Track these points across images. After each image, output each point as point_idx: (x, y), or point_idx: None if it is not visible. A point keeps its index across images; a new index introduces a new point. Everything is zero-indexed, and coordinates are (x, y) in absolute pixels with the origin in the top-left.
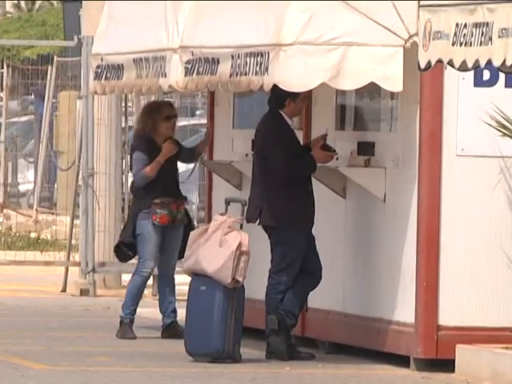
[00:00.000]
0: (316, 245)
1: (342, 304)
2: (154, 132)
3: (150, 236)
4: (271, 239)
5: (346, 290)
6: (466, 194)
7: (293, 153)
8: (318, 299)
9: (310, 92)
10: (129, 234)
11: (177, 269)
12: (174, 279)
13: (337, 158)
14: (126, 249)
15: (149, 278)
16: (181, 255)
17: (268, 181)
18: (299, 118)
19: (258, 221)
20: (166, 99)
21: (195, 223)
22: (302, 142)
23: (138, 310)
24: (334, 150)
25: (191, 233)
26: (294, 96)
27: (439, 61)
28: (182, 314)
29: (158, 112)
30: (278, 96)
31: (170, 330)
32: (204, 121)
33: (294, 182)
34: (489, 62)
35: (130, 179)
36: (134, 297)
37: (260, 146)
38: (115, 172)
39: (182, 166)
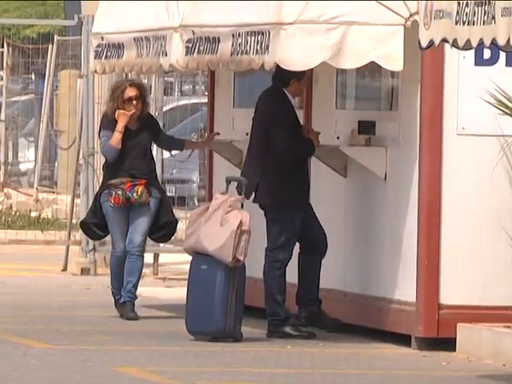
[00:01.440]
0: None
1: (343, 283)
2: (116, 112)
3: (111, 217)
4: (267, 218)
5: (347, 269)
6: (467, 172)
7: (294, 134)
8: (321, 278)
9: (310, 72)
10: (90, 214)
11: (178, 248)
12: (138, 259)
13: (337, 137)
14: (95, 228)
15: (122, 255)
16: (157, 234)
17: (266, 159)
18: (300, 98)
19: (253, 197)
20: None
21: (196, 202)
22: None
23: (140, 289)
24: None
25: (192, 212)
26: (298, 76)
27: (444, 40)
28: (183, 292)
29: (121, 94)
30: (284, 74)
31: (122, 309)
32: (204, 99)
33: (293, 162)
34: (493, 42)
35: None
36: (115, 276)
37: (261, 122)
38: None
39: None
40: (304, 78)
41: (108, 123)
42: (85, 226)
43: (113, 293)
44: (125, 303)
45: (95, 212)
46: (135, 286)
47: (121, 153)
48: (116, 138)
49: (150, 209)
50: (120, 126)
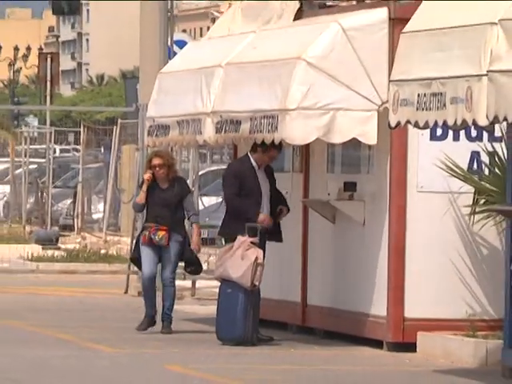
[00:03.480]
0: None
1: (333, 302)
2: (153, 178)
3: (142, 251)
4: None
5: (336, 291)
6: (424, 219)
7: (247, 193)
8: (315, 298)
9: (278, 153)
10: (134, 251)
11: (210, 276)
12: (170, 287)
13: (328, 194)
14: (139, 261)
15: (146, 281)
16: (187, 269)
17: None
18: (300, 163)
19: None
20: (200, 150)
21: (223, 242)
22: (302, 185)
23: (180, 306)
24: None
25: (220, 249)
26: (266, 149)
27: (408, 121)
28: (214, 309)
29: (149, 162)
30: (255, 143)
31: (162, 325)
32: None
33: (234, 210)
34: (444, 123)
35: None
36: (145, 297)
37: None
38: None
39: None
40: (269, 152)
41: (141, 184)
42: (132, 259)
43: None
44: (163, 321)
45: (137, 248)
46: (169, 309)
47: (152, 204)
48: (140, 196)
49: (173, 249)
50: (144, 187)
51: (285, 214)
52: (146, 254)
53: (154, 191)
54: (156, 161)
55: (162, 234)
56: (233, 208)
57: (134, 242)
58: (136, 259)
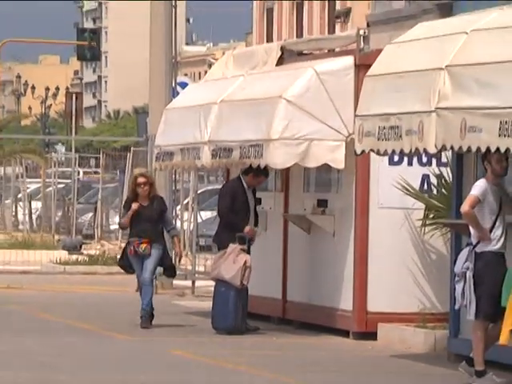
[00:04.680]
0: None
1: (308, 298)
2: (133, 194)
3: (131, 261)
4: None
5: (311, 289)
6: (383, 231)
7: (238, 207)
8: (293, 295)
9: (266, 179)
10: (123, 259)
11: (207, 276)
12: (148, 287)
13: (304, 209)
14: (127, 267)
15: (139, 284)
16: (165, 273)
17: None
18: (281, 184)
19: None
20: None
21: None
22: (283, 201)
23: (182, 302)
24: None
25: (215, 255)
26: (257, 173)
27: (371, 150)
28: (209, 304)
29: (134, 181)
30: (249, 167)
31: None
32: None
33: (227, 221)
34: (400, 151)
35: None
36: (141, 294)
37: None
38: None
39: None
40: (259, 178)
41: (126, 203)
42: (121, 266)
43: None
44: (141, 317)
45: (124, 257)
46: (148, 305)
47: (135, 220)
48: (125, 219)
49: (153, 256)
50: (130, 213)
51: (253, 233)
52: (136, 263)
53: (137, 208)
54: (141, 179)
55: (144, 246)
56: (226, 221)
57: (121, 252)
58: (123, 266)
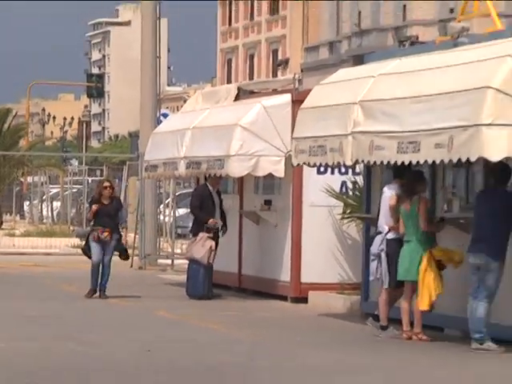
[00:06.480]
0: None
1: (258, 272)
2: (100, 195)
3: (92, 246)
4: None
5: (260, 265)
6: (313, 223)
7: (205, 205)
8: (247, 269)
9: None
10: (86, 245)
11: (183, 256)
12: (107, 268)
13: (254, 206)
14: (88, 252)
15: (95, 265)
16: (122, 256)
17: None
18: (238, 188)
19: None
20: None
21: (190, 236)
22: (239, 201)
23: (163, 276)
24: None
25: (189, 241)
26: (212, 178)
27: (304, 163)
28: (185, 277)
29: (101, 184)
30: (213, 176)
31: (100, 293)
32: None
33: (196, 217)
34: (326, 164)
35: (160, 215)
36: (92, 275)
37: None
38: (151, 210)
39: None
40: (216, 182)
41: (91, 202)
42: (83, 250)
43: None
44: (100, 291)
45: (87, 244)
46: (106, 282)
47: (99, 213)
48: (91, 215)
49: (112, 244)
50: (92, 212)
51: (225, 231)
52: (95, 247)
53: (100, 206)
54: (106, 184)
55: (106, 234)
56: (196, 216)
57: (85, 240)
58: (85, 250)
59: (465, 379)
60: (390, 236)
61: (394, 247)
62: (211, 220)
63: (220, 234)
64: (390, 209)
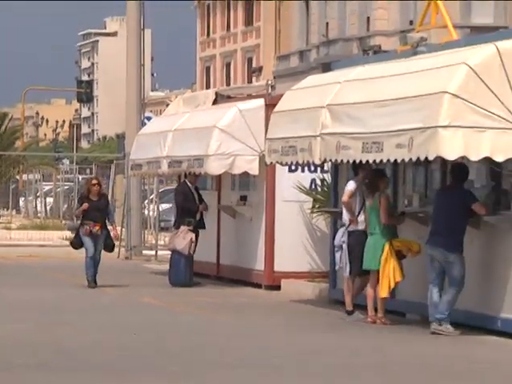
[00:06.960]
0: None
1: (234, 261)
2: (89, 192)
3: (84, 240)
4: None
5: (236, 256)
6: (285, 217)
7: (189, 200)
8: (224, 259)
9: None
10: (75, 238)
11: (166, 248)
12: (98, 259)
13: (231, 202)
14: (77, 245)
15: (90, 258)
16: (106, 249)
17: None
18: (216, 185)
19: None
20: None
21: (173, 229)
22: (217, 197)
23: (148, 265)
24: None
25: (171, 234)
26: (192, 177)
27: (276, 162)
28: (167, 266)
29: (89, 182)
30: (192, 174)
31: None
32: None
33: (183, 209)
34: (296, 163)
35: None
36: (87, 269)
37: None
38: (137, 205)
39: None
40: (194, 179)
41: (80, 199)
42: (72, 243)
43: (87, 274)
44: (94, 281)
45: (77, 237)
46: (96, 273)
47: (89, 209)
48: (79, 211)
49: (102, 237)
50: (81, 209)
51: (205, 208)
52: (88, 242)
53: (89, 202)
54: (94, 181)
55: (97, 228)
56: (184, 208)
57: (75, 234)
58: (74, 243)
59: (420, 356)
60: (351, 228)
61: (355, 238)
62: (201, 206)
63: (204, 215)
64: (342, 204)
